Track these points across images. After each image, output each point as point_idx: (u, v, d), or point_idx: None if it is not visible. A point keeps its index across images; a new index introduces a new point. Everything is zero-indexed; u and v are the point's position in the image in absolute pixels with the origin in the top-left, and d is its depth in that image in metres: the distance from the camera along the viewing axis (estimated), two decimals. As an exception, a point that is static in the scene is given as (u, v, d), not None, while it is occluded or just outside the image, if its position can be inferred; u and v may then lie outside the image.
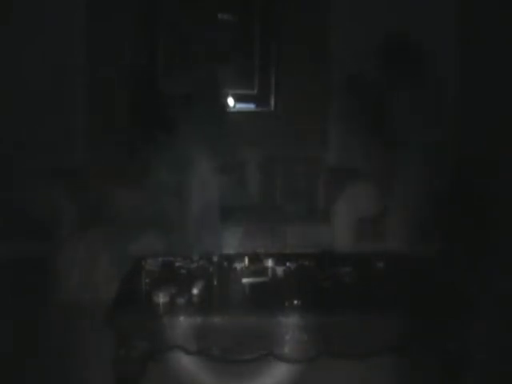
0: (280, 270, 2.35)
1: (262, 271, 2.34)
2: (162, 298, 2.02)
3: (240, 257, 2.47)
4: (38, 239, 3.33)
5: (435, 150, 3.91)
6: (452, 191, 3.77)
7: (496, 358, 2.49)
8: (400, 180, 2.97)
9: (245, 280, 2.25)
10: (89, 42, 3.95)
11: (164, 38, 4.10)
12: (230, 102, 4.15)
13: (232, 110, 4.16)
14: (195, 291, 2.11)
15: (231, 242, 3.25)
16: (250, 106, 4.20)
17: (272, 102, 4.19)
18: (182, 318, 1.96)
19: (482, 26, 3.65)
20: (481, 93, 3.73)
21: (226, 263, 2.43)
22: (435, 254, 3.15)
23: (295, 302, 2.05)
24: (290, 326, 1.97)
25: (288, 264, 2.40)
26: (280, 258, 2.45)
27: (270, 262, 2.38)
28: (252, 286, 2.22)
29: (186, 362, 2.31)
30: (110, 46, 3.93)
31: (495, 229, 3.24)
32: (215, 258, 2.48)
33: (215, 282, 2.24)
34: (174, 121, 3.34)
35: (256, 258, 2.44)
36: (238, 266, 2.39)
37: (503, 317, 2.70)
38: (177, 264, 2.45)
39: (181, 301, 2.03)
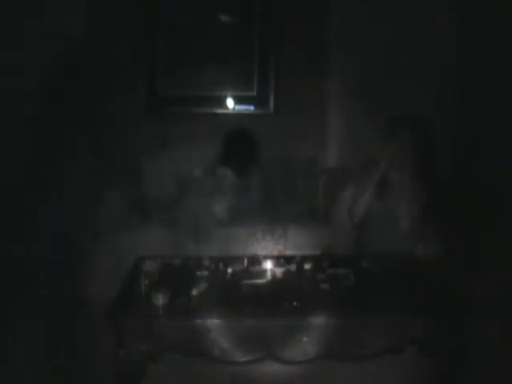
0: (279, 272, 2.35)
1: (262, 273, 2.34)
2: (161, 300, 2.02)
3: (239, 258, 2.47)
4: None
5: (434, 149, 3.92)
6: (451, 191, 3.77)
7: (496, 357, 2.49)
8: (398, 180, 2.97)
9: (244, 282, 2.26)
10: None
11: (164, 39, 4.11)
12: (230, 103, 4.16)
13: (231, 111, 4.16)
14: (194, 292, 2.12)
15: (231, 243, 3.26)
16: (250, 108, 4.20)
17: (271, 103, 4.19)
18: (181, 319, 1.97)
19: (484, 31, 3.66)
20: (482, 93, 3.73)
21: (225, 265, 2.43)
22: (435, 255, 3.14)
23: (294, 303, 2.05)
24: (290, 328, 1.97)
25: (287, 266, 2.40)
26: (279, 260, 2.45)
27: (269, 264, 2.38)
28: (251, 287, 2.23)
29: (186, 363, 2.31)
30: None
31: (495, 229, 3.24)
32: (215, 260, 2.48)
33: (215, 284, 2.24)
34: None
35: (255, 260, 2.44)
36: (238, 267, 2.39)
37: (503, 317, 2.70)
38: (176, 265, 2.46)
39: (180, 302, 2.03)
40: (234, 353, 1.96)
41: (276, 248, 2.78)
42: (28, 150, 3.68)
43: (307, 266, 2.41)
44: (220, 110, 4.14)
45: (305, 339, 1.97)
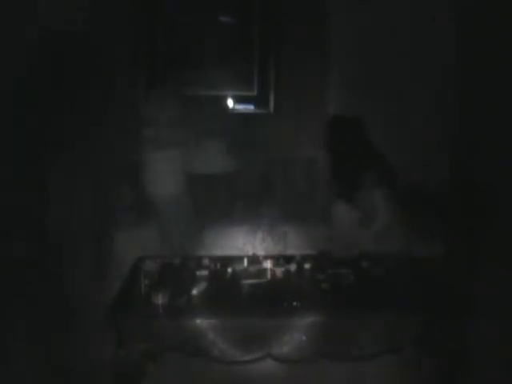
0: (279, 272, 2.35)
1: (262, 273, 2.34)
2: (161, 299, 2.02)
3: (239, 258, 2.47)
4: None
5: (435, 149, 3.92)
6: (451, 191, 3.77)
7: (496, 357, 2.49)
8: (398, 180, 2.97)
9: (244, 281, 2.26)
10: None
11: (164, 39, 4.12)
12: (230, 103, 4.16)
13: (232, 111, 4.16)
14: (194, 292, 2.12)
15: (231, 243, 3.26)
16: (250, 108, 4.20)
17: (271, 103, 4.19)
18: (181, 319, 1.97)
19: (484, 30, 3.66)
20: (482, 93, 3.73)
21: (225, 265, 2.43)
22: (435, 255, 3.15)
23: (294, 303, 2.05)
24: (289, 327, 1.97)
25: (287, 266, 2.40)
26: (279, 260, 2.45)
27: (269, 264, 2.38)
28: (251, 287, 2.22)
29: (186, 363, 2.31)
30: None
31: (495, 229, 3.24)
32: (215, 259, 2.48)
33: (215, 283, 2.24)
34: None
35: (255, 260, 2.44)
36: (238, 267, 2.39)
37: (503, 317, 2.70)
38: (176, 265, 2.46)
39: (180, 302, 2.03)
40: (233, 352, 1.96)
41: (276, 248, 2.78)
42: (28, 150, 3.68)
43: (307, 266, 2.41)
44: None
45: (304, 339, 1.96)
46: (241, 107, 4.18)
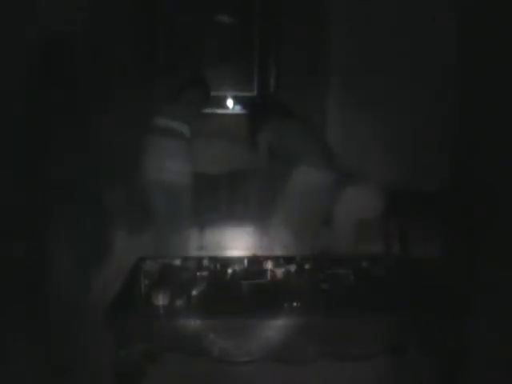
0: (279, 272, 2.35)
1: (262, 273, 2.34)
2: (161, 300, 2.02)
3: (239, 258, 2.47)
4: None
5: (435, 149, 3.92)
6: (451, 191, 3.77)
7: (496, 357, 2.49)
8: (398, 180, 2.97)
9: (244, 282, 2.26)
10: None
11: (164, 39, 4.11)
12: (229, 103, 4.16)
13: (231, 111, 4.16)
14: (194, 292, 2.12)
15: (231, 243, 3.26)
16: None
17: (271, 103, 4.18)
18: (181, 319, 1.97)
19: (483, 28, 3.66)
20: (482, 93, 3.73)
21: (225, 265, 2.43)
22: (435, 255, 3.15)
23: (294, 303, 2.05)
24: (289, 327, 1.97)
25: (287, 266, 2.40)
26: (279, 260, 2.45)
27: (269, 264, 2.38)
28: (251, 287, 2.23)
29: (186, 363, 2.31)
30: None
31: (495, 229, 3.24)
32: (215, 260, 2.48)
33: (215, 284, 2.24)
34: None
35: (255, 260, 2.44)
36: (238, 267, 2.39)
37: (503, 317, 2.70)
38: (176, 265, 2.46)
39: (180, 302, 2.03)
40: (233, 353, 1.96)
41: (275, 247, 2.78)
42: (28, 150, 3.68)
43: (307, 266, 2.41)
44: (220, 110, 4.13)
45: (304, 339, 1.97)
46: (240, 107, 4.18)
